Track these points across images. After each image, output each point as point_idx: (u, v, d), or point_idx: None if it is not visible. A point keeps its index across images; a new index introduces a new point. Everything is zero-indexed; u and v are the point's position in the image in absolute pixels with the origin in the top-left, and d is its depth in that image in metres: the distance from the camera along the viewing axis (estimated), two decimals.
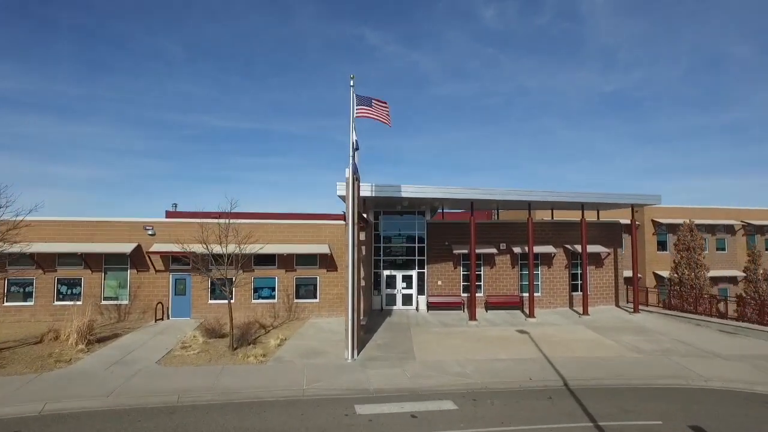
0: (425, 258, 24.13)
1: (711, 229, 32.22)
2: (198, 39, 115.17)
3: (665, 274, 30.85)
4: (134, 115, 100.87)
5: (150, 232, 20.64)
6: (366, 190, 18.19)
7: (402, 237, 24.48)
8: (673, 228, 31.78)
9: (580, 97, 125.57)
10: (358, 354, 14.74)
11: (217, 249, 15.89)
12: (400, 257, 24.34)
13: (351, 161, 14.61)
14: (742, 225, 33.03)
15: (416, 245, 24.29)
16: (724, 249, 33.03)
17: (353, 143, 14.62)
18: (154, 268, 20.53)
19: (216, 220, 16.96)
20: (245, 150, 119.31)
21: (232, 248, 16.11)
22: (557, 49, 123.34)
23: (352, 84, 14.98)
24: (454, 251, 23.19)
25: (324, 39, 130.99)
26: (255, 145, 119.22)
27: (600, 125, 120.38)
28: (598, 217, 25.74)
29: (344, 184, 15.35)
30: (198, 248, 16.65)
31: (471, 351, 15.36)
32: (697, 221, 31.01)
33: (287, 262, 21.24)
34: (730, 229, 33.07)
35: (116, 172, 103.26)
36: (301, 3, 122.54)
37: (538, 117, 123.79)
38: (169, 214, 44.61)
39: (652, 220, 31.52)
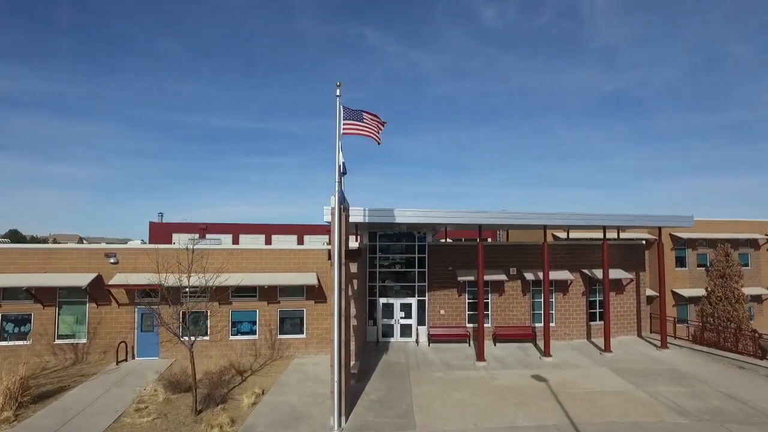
0: (426, 284, 21.52)
1: (733, 243, 29.71)
2: (198, 39, 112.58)
3: (684, 292, 28.45)
4: (134, 115, 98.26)
5: (112, 261, 18.07)
6: (358, 215, 15.62)
7: (400, 261, 21.86)
8: (692, 243, 29.37)
9: (580, 96, 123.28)
10: (346, 420, 12.19)
11: (180, 282, 13.24)
12: (397, 283, 21.72)
13: (337, 188, 11.94)
14: (767, 239, 30.58)
15: (416, 270, 21.66)
16: (747, 264, 30.48)
17: (340, 166, 11.96)
18: (117, 301, 17.92)
19: (190, 245, 14.14)
20: (245, 150, 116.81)
21: (200, 282, 13.58)
22: (557, 49, 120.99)
23: (338, 93, 12.34)
24: (459, 278, 20.58)
25: (324, 39, 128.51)
26: (255, 145, 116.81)
27: (600, 125, 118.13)
28: (618, 236, 23.26)
29: (330, 209, 12.69)
30: (169, 280, 13.64)
31: (482, 412, 12.81)
32: (719, 235, 28.63)
33: (270, 293, 18.64)
34: (753, 243, 30.57)
35: (114, 172, 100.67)
36: (302, 3, 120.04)
37: (539, 116, 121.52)
38: (153, 225, 42.10)
39: (671, 235, 29.01)
